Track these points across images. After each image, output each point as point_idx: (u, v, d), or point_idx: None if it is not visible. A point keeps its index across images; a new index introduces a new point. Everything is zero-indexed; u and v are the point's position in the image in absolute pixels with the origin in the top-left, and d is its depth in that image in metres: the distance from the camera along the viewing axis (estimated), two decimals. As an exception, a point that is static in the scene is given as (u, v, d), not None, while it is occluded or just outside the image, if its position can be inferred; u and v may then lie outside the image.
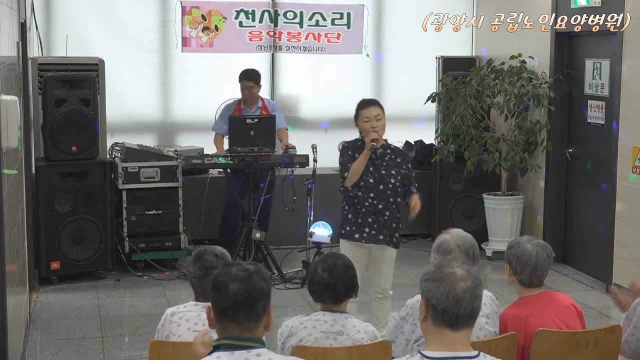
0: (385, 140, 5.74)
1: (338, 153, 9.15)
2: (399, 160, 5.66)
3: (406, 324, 3.90)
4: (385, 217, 5.59)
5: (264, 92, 9.02)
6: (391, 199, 5.61)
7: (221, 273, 2.75)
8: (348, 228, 5.65)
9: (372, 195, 5.57)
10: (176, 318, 3.79)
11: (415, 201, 5.59)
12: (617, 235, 7.28)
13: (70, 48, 8.19)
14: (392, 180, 5.58)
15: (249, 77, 8.12)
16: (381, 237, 5.61)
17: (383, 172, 5.58)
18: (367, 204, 5.58)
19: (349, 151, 5.65)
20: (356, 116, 5.65)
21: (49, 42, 8.64)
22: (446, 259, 3.89)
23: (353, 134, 9.29)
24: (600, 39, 7.70)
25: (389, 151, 5.67)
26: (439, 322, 2.73)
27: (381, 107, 5.68)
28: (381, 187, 5.57)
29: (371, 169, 5.57)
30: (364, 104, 5.67)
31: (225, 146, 8.01)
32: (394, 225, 5.64)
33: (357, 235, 5.61)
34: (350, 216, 5.64)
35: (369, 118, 5.57)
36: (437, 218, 9.01)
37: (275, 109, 8.28)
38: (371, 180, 5.56)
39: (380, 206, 5.59)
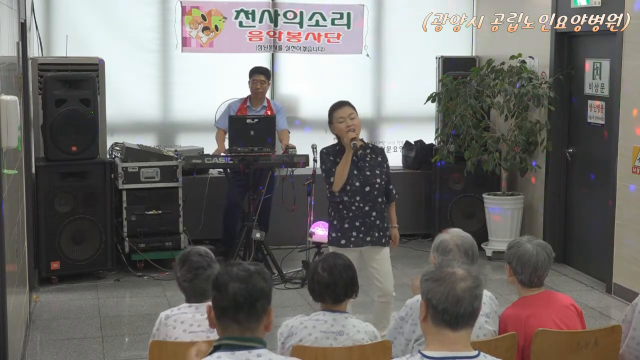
0: (362, 139, 5.73)
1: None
2: (379, 159, 5.64)
3: (406, 324, 3.89)
4: (372, 218, 5.56)
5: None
6: (379, 200, 5.59)
7: (222, 273, 2.75)
8: (334, 234, 5.62)
9: (358, 198, 5.53)
10: (171, 321, 3.79)
11: (395, 235, 5.76)
12: (617, 235, 7.27)
13: (70, 48, 8.19)
14: (378, 180, 5.56)
15: (261, 71, 8.18)
16: (368, 238, 5.57)
17: (368, 173, 5.55)
18: (353, 207, 5.54)
19: (330, 157, 5.59)
20: (330, 121, 5.62)
21: (49, 42, 8.64)
22: (445, 258, 3.89)
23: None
24: (600, 39, 7.70)
25: (368, 151, 5.65)
26: (439, 322, 2.73)
27: (353, 107, 5.65)
28: (367, 188, 5.54)
29: (355, 172, 5.53)
30: (336, 106, 5.64)
31: (226, 144, 8.02)
32: (385, 225, 5.63)
33: (343, 241, 5.56)
34: (335, 222, 5.60)
35: (343, 118, 5.54)
36: (437, 218, 9.01)
37: (280, 110, 8.30)
38: (357, 184, 5.52)
39: (367, 208, 5.55)
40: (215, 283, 2.74)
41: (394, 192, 5.71)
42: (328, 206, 5.69)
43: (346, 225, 5.55)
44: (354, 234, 5.55)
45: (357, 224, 5.54)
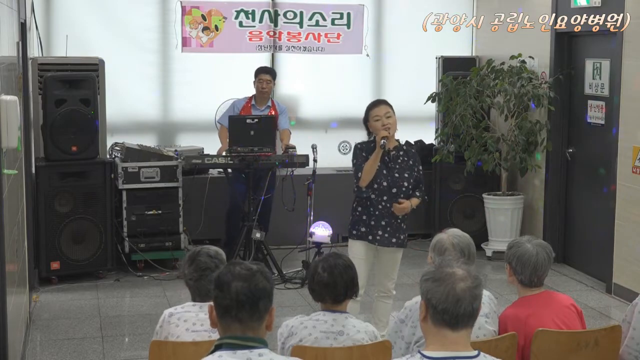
0: (398, 140, 5.76)
1: (338, 153, 9.37)
2: (411, 162, 5.69)
3: (405, 327, 3.89)
4: (399, 220, 5.63)
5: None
6: None
7: (224, 272, 2.75)
8: (363, 229, 5.64)
9: (385, 198, 5.58)
10: (174, 319, 3.79)
11: (406, 204, 5.58)
12: (617, 235, 7.27)
13: (70, 48, 8.19)
14: (405, 184, 5.61)
15: (267, 71, 8.20)
16: (394, 240, 5.63)
17: (396, 175, 5.60)
18: (380, 207, 5.59)
19: (363, 152, 5.66)
20: (366, 118, 5.69)
21: (49, 42, 8.64)
22: (445, 258, 3.89)
23: (352, 134, 9.36)
24: (600, 39, 7.70)
25: (401, 153, 5.70)
26: (439, 322, 2.73)
27: (390, 105, 5.73)
28: (394, 190, 5.58)
29: (385, 171, 5.59)
30: (373, 104, 5.74)
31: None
32: (404, 226, 5.68)
33: (370, 237, 5.62)
34: (364, 217, 5.63)
35: (379, 116, 5.61)
36: (437, 218, 9.01)
37: (283, 111, 8.30)
38: (385, 184, 5.58)
39: (393, 209, 5.60)
40: (218, 282, 2.74)
41: (418, 194, 5.69)
42: (353, 200, 5.72)
43: (372, 223, 5.60)
44: (380, 232, 5.60)
45: (384, 223, 5.60)
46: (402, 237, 5.66)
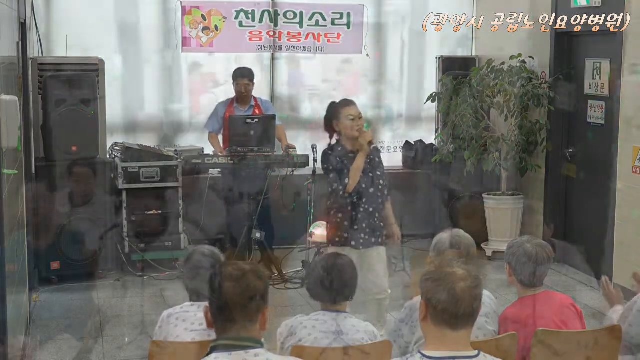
0: None
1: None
2: (377, 159, 5.67)
3: (405, 327, 3.90)
4: (376, 220, 5.61)
5: (265, 92, 9.03)
6: (380, 200, 5.63)
7: (216, 273, 2.76)
8: (346, 235, 5.60)
9: (364, 200, 5.56)
10: (173, 319, 3.79)
11: (396, 233, 5.77)
12: (617, 235, 7.27)
13: (70, 48, 8.19)
14: (381, 181, 5.61)
15: (245, 75, 8.09)
16: (373, 240, 5.62)
17: (370, 174, 5.58)
18: (361, 209, 5.56)
19: (337, 158, 5.56)
20: (336, 115, 5.55)
21: (49, 42, 8.63)
22: (445, 258, 3.90)
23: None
24: (600, 39, 7.70)
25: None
26: (439, 322, 2.73)
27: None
28: (372, 190, 5.57)
29: (361, 174, 5.56)
30: (345, 103, 5.63)
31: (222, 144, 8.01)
32: (381, 224, 5.67)
33: (353, 242, 5.59)
34: (346, 223, 5.59)
35: (352, 116, 5.53)
36: (437, 218, 9.01)
37: (269, 107, 8.26)
38: (364, 185, 5.55)
39: (371, 209, 5.59)
40: (211, 283, 2.74)
41: (386, 191, 5.70)
42: (332, 207, 5.65)
43: (356, 227, 5.57)
44: (362, 235, 5.58)
45: (364, 225, 5.59)
46: (379, 234, 5.63)
